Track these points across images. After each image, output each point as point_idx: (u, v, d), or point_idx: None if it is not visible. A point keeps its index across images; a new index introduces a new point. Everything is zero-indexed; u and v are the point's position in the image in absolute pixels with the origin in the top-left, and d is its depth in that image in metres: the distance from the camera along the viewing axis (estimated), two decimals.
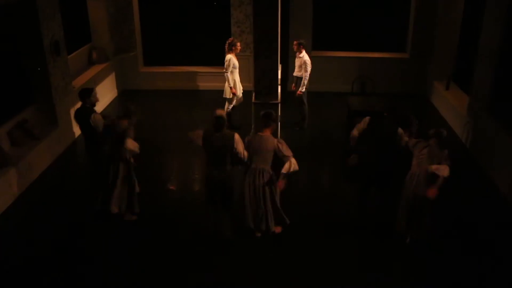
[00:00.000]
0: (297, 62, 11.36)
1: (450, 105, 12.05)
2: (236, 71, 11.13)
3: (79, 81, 11.99)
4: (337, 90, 13.91)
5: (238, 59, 11.12)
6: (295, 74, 11.48)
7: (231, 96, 11.24)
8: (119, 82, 14.25)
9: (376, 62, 14.03)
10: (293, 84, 11.55)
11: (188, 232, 7.90)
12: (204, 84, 14.54)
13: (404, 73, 14.00)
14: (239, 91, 11.30)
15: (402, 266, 7.20)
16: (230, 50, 11.02)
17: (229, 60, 10.94)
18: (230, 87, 11.08)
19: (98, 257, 7.34)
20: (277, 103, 10.42)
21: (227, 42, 11.08)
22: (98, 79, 12.85)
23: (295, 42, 11.20)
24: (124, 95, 14.25)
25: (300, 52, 11.20)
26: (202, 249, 7.48)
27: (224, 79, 11.19)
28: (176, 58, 14.80)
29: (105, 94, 13.21)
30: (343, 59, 14.15)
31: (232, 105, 11.37)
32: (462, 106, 11.38)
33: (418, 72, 13.97)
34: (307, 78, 11.12)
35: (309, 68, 11.10)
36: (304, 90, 11.22)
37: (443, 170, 6.94)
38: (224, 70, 11.01)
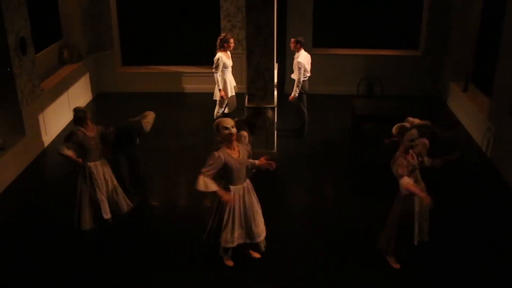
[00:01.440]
0: (294, 63, 11.35)
1: (469, 108, 12.06)
2: (228, 71, 11.12)
3: (49, 83, 11.94)
4: (341, 92, 13.92)
5: (229, 58, 11.13)
6: (292, 76, 11.46)
7: (220, 99, 11.22)
8: (94, 84, 14.21)
9: (385, 60, 14.05)
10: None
11: (176, 245, 7.94)
12: (191, 86, 14.52)
13: (417, 73, 14.02)
14: (230, 93, 11.27)
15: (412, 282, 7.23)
16: (222, 47, 10.99)
17: (218, 59, 10.91)
18: (219, 89, 11.05)
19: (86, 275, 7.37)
20: (273, 107, 10.40)
21: (219, 38, 11.06)
22: (70, 80, 12.80)
23: (292, 40, 11.20)
24: (100, 98, 14.21)
25: (298, 51, 11.19)
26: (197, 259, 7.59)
27: (213, 80, 11.18)
28: (159, 56, 14.78)
29: (78, 98, 13.15)
30: (347, 57, 14.17)
31: (223, 110, 11.34)
32: (482, 110, 11.40)
33: (432, 71, 14.00)
34: (301, 82, 11.10)
35: (302, 70, 11.06)
36: (297, 94, 11.20)
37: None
38: (213, 70, 10.98)
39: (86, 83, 13.88)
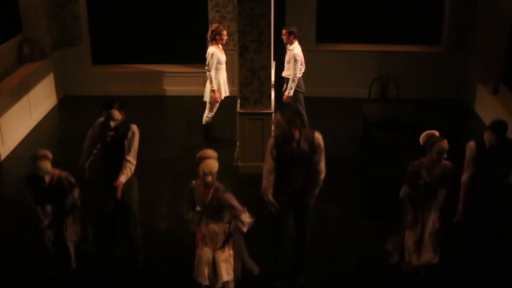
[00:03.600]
0: (287, 57, 11.37)
1: (499, 113, 12.05)
2: (222, 68, 11.13)
3: (6, 85, 11.90)
4: (349, 95, 13.94)
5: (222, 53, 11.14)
6: (284, 74, 11.45)
7: (212, 101, 11.17)
8: (59, 85, 14.16)
9: (401, 58, 14.07)
10: (284, 87, 11.52)
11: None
12: (173, 88, 14.50)
13: (438, 73, 14.02)
14: (224, 93, 11.25)
15: None
16: (214, 40, 10.98)
17: (212, 54, 10.90)
18: (213, 90, 11.01)
19: None
20: (270, 113, 10.38)
21: (210, 29, 11.06)
22: (31, 81, 12.77)
23: (284, 31, 11.17)
24: (66, 102, 14.18)
25: (291, 44, 11.23)
26: None
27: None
28: (136, 53, 14.77)
29: (41, 102, 13.11)
30: (357, 54, 14.20)
31: (212, 114, 11.30)
32: None
33: (456, 71, 14.00)
34: (296, 77, 11.13)
35: (299, 65, 11.09)
36: (292, 93, 11.19)
37: None
38: (206, 68, 10.95)
39: (50, 84, 13.83)
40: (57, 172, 7.48)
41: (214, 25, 11.26)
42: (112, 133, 7.55)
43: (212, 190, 6.90)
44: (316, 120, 12.06)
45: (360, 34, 14.34)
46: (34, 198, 7.54)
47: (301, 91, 11.38)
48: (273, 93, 10.66)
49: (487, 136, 7.43)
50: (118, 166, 7.61)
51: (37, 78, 13.15)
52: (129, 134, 7.62)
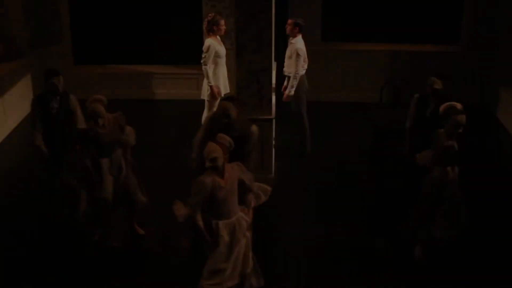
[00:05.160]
0: (288, 52, 11.34)
1: None
2: (221, 62, 11.12)
3: None
4: (359, 99, 13.93)
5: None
6: (285, 71, 11.44)
7: (210, 98, 11.11)
8: (37, 87, 14.10)
9: (415, 58, 14.09)
10: (283, 86, 11.50)
11: None
12: (164, 91, 14.51)
13: (457, 75, 13.97)
14: (224, 90, 11.21)
15: None
16: (211, 31, 10.95)
17: (209, 46, 10.87)
18: (210, 86, 10.96)
19: None
20: (271, 119, 10.33)
21: (206, 20, 11.06)
22: (6, 83, 12.80)
23: (289, 22, 11.18)
24: None
25: (294, 36, 11.19)
26: None
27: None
28: (122, 53, 14.78)
29: (17, 106, 13.07)
30: (366, 54, 14.22)
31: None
32: None
33: (477, 73, 14.02)
34: (298, 75, 11.09)
35: (301, 60, 11.06)
36: (293, 92, 11.15)
37: None
38: (202, 61, 10.90)
39: (27, 86, 13.83)
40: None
41: (210, 14, 11.21)
42: (56, 105, 9.10)
43: (230, 169, 7.01)
44: (320, 127, 12.03)
45: (370, 32, 14.36)
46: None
47: (303, 90, 11.30)
48: (274, 97, 10.61)
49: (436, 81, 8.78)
50: (65, 134, 9.00)
51: (13, 79, 13.18)
52: (73, 102, 9.29)
